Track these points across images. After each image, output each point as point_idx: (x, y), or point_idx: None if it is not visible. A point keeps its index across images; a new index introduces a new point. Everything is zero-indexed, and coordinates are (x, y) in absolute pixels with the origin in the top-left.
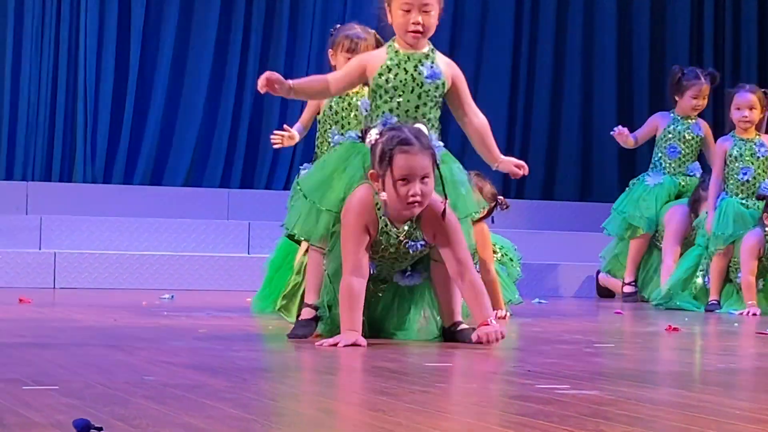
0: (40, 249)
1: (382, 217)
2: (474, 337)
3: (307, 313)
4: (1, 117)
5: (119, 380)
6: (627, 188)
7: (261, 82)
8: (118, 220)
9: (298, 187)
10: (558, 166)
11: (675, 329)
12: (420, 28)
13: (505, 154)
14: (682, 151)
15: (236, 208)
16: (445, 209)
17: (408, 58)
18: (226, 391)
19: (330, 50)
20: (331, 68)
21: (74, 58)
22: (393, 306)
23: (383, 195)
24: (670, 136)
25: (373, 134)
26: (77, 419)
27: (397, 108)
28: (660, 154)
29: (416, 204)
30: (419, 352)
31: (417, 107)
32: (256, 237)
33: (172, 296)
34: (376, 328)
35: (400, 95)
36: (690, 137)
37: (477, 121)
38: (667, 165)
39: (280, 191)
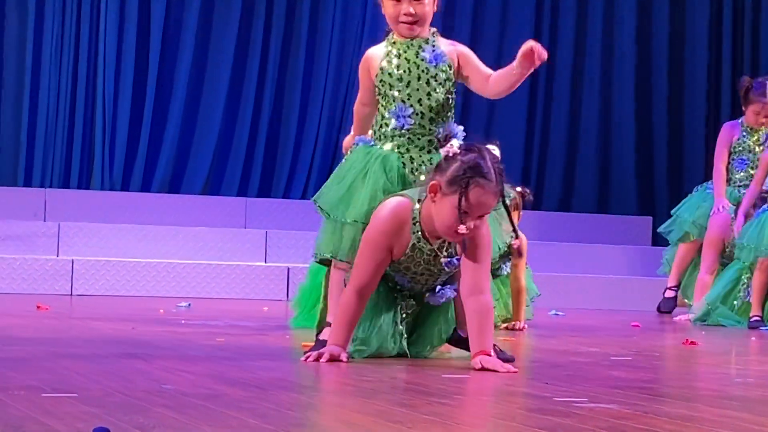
0: (57, 256)
1: (415, 234)
2: (476, 364)
3: (326, 334)
4: (21, 123)
5: (138, 389)
6: (690, 193)
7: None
8: (136, 228)
9: (318, 205)
10: (576, 177)
11: (693, 343)
12: (411, 18)
13: (523, 165)
14: (750, 164)
15: (254, 217)
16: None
17: (408, 46)
18: (244, 401)
19: None
20: None
21: (93, 66)
22: (426, 326)
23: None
24: (740, 149)
25: (455, 146)
26: (97, 427)
27: (408, 98)
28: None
29: (462, 236)
30: (436, 364)
31: (429, 94)
32: (274, 245)
33: (189, 304)
34: (414, 350)
35: (408, 84)
36: (759, 150)
37: (493, 74)
38: (732, 176)
39: (298, 200)
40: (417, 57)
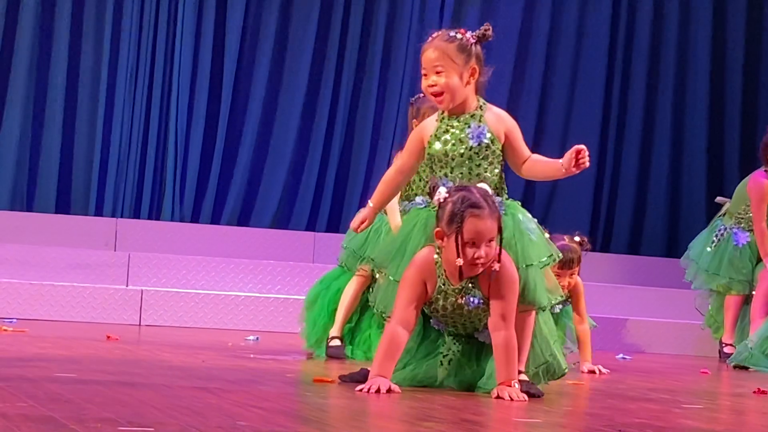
0: (127, 286)
1: (441, 276)
2: (494, 393)
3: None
4: (94, 153)
5: (212, 424)
6: (712, 243)
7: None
8: (205, 260)
9: (373, 261)
10: (645, 220)
11: (764, 392)
12: (436, 89)
13: (593, 208)
14: None
15: (322, 251)
16: (500, 256)
17: (456, 122)
18: None
19: (414, 120)
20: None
21: (167, 99)
22: (473, 363)
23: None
24: None
25: (442, 192)
26: None
27: (451, 172)
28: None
29: (479, 266)
30: (503, 405)
31: (470, 169)
32: None
33: (257, 338)
34: (465, 386)
35: (452, 160)
36: None
37: (532, 157)
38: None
39: None
40: (462, 133)
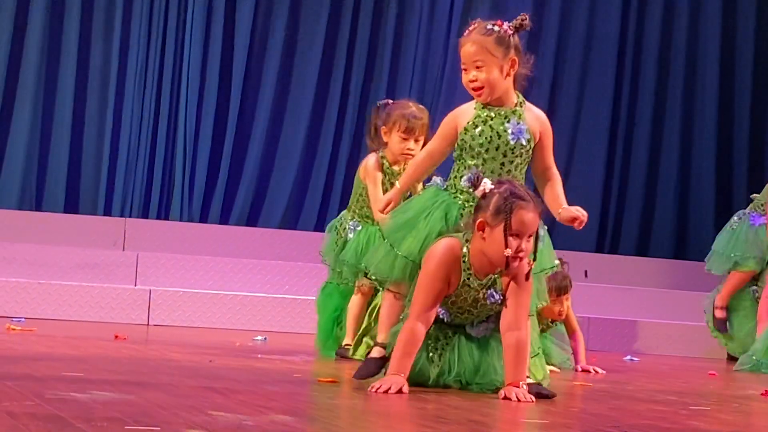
0: (135, 285)
1: (466, 271)
2: (501, 394)
3: (376, 352)
4: (102, 153)
5: (219, 424)
6: (730, 229)
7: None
8: (213, 260)
9: (378, 229)
10: (654, 222)
11: None
12: (477, 84)
13: (601, 211)
14: None
15: None
16: (529, 272)
17: (495, 114)
18: None
19: (383, 127)
20: (375, 142)
21: (176, 99)
22: (468, 358)
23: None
24: None
25: (488, 184)
26: None
27: (483, 164)
28: None
29: (520, 259)
30: (511, 406)
31: (502, 164)
32: None
33: (265, 338)
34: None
35: (486, 152)
36: None
37: (554, 174)
38: None
39: None
40: (501, 127)
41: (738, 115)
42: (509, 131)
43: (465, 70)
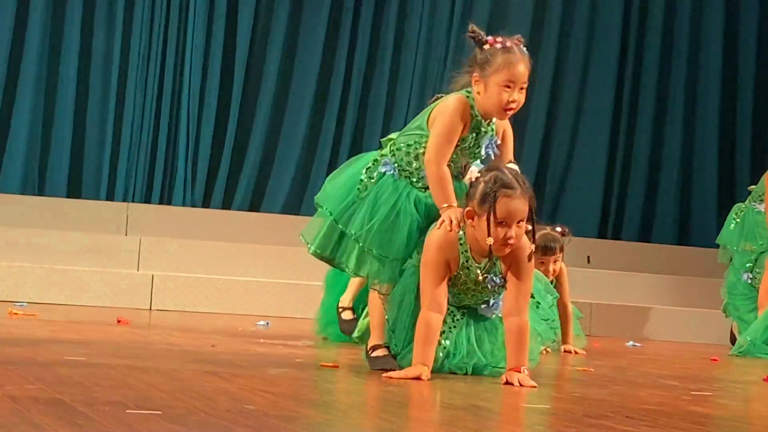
0: (138, 270)
1: (464, 253)
2: (503, 379)
3: (380, 352)
4: (105, 138)
5: (221, 408)
6: (734, 221)
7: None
8: (216, 245)
9: (360, 245)
10: (656, 208)
11: None
12: (515, 105)
13: (604, 195)
14: None
15: None
16: (531, 254)
17: (482, 124)
18: (325, 424)
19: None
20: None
21: (179, 84)
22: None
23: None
24: None
25: (474, 172)
26: None
27: (453, 163)
28: None
29: (509, 246)
30: (513, 391)
31: (467, 162)
32: None
33: (268, 323)
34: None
35: (461, 151)
36: None
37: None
38: None
39: None
40: (482, 131)
41: (741, 100)
42: (487, 136)
43: (508, 87)
